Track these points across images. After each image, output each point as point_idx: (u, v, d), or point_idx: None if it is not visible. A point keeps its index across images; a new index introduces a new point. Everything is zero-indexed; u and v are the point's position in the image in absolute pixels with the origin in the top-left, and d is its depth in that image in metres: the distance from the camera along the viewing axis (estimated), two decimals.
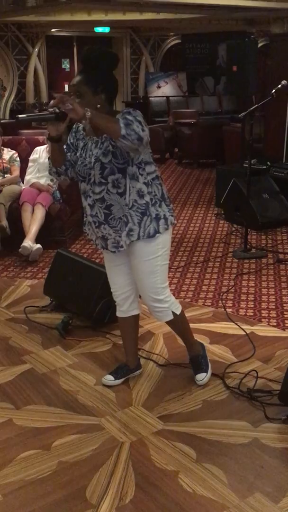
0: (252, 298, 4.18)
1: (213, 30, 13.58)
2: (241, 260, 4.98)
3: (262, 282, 4.49)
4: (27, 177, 5.49)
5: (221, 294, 4.27)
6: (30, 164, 5.52)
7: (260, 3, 8.75)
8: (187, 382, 3.07)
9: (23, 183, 5.54)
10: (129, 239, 2.70)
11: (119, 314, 3.08)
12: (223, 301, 4.12)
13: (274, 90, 4.97)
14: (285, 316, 3.89)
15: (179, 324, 3.02)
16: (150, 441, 2.61)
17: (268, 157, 6.73)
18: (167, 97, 13.97)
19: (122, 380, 3.07)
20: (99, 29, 12.97)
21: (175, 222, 2.82)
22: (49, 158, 2.89)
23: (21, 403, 2.93)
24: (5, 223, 5.12)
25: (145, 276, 2.81)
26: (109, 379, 3.06)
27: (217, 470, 2.41)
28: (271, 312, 3.95)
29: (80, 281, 3.74)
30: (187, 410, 2.84)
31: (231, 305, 4.08)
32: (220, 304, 4.08)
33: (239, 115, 5.28)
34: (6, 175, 5.50)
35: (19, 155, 5.65)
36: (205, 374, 3.05)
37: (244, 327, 3.69)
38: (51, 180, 5.40)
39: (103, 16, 11.18)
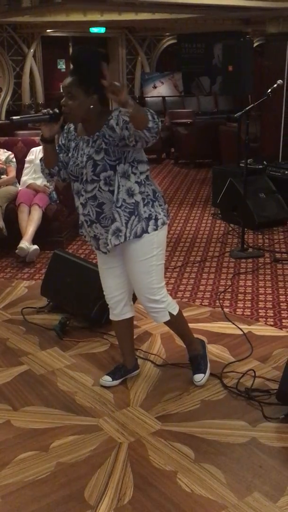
0: (249, 298, 4.19)
1: (209, 30, 13.59)
2: (238, 260, 4.99)
3: (259, 282, 4.49)
4: (23, 178, 5.48)
5: (218, 293, 4.27)
6: (26, 165, 5.51)
7: (256, 2, 8.76)
8: (185, 382, 3.07)
9: (19, 184, 5.53)
10: (117, 240, 2.68)
11: (112, 317, 3.07)
12: (221, 301, 4.13)
13: (269, 90, 4.98)
14: (282, 315, 3.90)
15: (176, 324, 3.02)
16: (148, 441, 2.61)
17: (264, 157, 6.74)
18: (163, 97, 13.97)
19: (120, 380, 3.07)
20: (94, 30, 12.96)
21: (168, 221, 2.81)
22: (41, 160, 2.89)
23: (19, 404, 2.93)
24: (1, 224, 5.12)
25: (140, 276, 2.81)
26: (106, 380, 3.06)
27: (215, 470, 2.42)
28: (268, 311, 3.96)
29: (77, 282, 3.74)
30: (185, 410, 2.84)
31: (228, 304, 4.08)
32: (217, 304, 4.08)
33: (235, 115, 5.28)
34: (2, 176, 5.49)
35: (15, 156, 5.64)
36: (203, 375, 3.04)
37: (241, 326, 3.69)
38: (48, 181, 5.39)
39: (98, 17, 11.17)
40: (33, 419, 2.80)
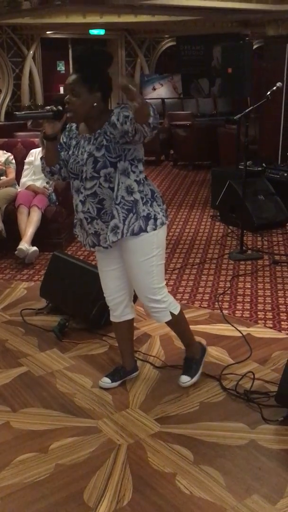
0: (248, 300, 4.19)
1: (208, 32, 13.60)
2: (237, 262, 4.99)
3: (258, 284, 4.49)
4: (22, 180, 5.48)
5: (217, 295, 4.27)
6: (25, 166, 5.52)
7: (255, 5, 8.76)
8: None
9: (18, 185, 5.53)
10: (115, 237, 2.69)
11: (112, 318, 3.07)
12: (219, 303, 4.13)
13: (269, 92, 4.99)
14: (281, 317, 3.90)
15: (178, 324, 3.02)
16: (147, 443, 2.61)
17: (263, 159, 6.75)
18: (162, 99, 13.98)
19: (119, 382, 3.07)
20: (94, 31, 12.98)
21: (167, 222, 2.82)
22: (42, 158, 2.88)
23: (18, 406, 2.93)
24: (0, 225, 5.12)
25: (141, 277, 2.81)
26: (106, 381, 3.06)
27: (214, 472, 2.42)
28: (267, 313, 3.96)
29: (76, 283, 3.74)
30: (184, 412, 2.84)
31: (227, 306, 4.08)
32: (216, 306, 4.09)
33: (234, 117, 5.30)
34: (1, 178, 5.49)
35: (15, 158, 5.65)
36: (190, 379, 3.03)
37: (240, 328, 3.69)
38: (47, 183, 5.40)
39: (98, 19, 11.19)
40: (32, 421, 2.80)
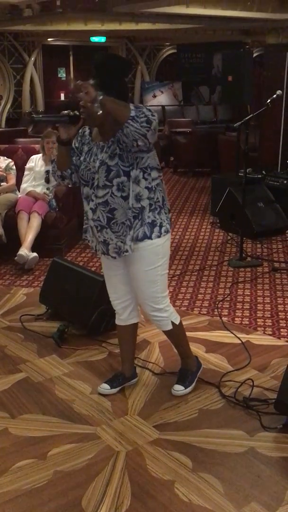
0: (248, 307, 4.19)
1: (209, 40, 13.68)
2: (236, 269, 4.99)
3: (258, 291, 4.50)
4: (23, 186, 5.49)
5: (217, 302, 4.27)
6: (26, 172, 5.53)
7: (255, 13, 8.81)
8: None
9: (19, 191, 5.54)
10: (133, 243, 2.69)
11: (118, 322, 3.06)
12: (219, 310, 4.13)
13: (269, 100, 5.01)
14: (281, 324, 3.90)
15: (177, 335, 3.02)
16: (146, 450, 2.60)
17: (263, 166, 6.77)
18: (163, 106, 14.03)
19: (118, 389, 3.07)
20: (95, 39, 13.04)
21: (170, 230, 2.83)
22: (53, 161, 2.87)
23: (17, 412, 2.92)
24: (1, 231, 5.12)
25: (145, 285, 2.81)
26: (105, 388, 3.06)
27: (213, 480, 2.41)
28: (267, 320, 3.96)
29: (76, 289, 3.74)
30: (183, 419, 2.84)
31: (226, 313, 4.08)
32: (215, 313, 4.08)
33: (234, 125, 5.31)
34: (2, 184, 5.50)
35: (15, 164, 5.66)
36: (184, 389, 3.03)
37: (239, 335, 3.69)
38: (47, 189, 5.41)
39: (99, 26, 11.24)
40: (31, 427, 2.79)
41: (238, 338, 3.66)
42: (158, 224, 2.73)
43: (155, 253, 2.75)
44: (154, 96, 14.65)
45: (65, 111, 2.65)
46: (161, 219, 2.75)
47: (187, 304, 4.26)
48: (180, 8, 8.43)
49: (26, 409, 2.94)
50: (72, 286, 3.77)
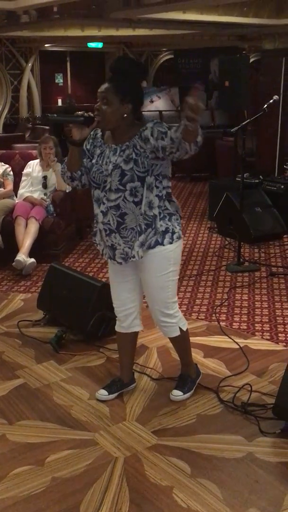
0: (246, 312, 4.19)
1: (206, 45, 13.72)
2: (234, 274, 4.99)
3: (256, 296, 4.50)
4: (20, 191, 5.49)
5: (215, 307, 4.27)
6: (23, 178, 5.53)
7: (252, 19, 8.86)
8: None
9: (16, 197, 5.54)
10: (142, 250, 2.69)
11: (119, 329, 3.05)
12: (217, 315, 4.13)
13: (266, 105, 5.03)
14: (279, 329, 3.90)
15: (183, 341, 3.02)
16: (144, 456, 2.60)
17: (260, 171, 6.78)
18: (160, 111, 14.05)
19: (116, 394, 3.06)
20: (92, 44, 13.06)
21: (182, 236, 2.83)
22: (64, 162, 2.85)
23: (14, 418, 2.91)
24: None
25: (156, 291, 2.82)
26: (102, 393, 3.05)
27: (211, 485, 2.40)
28: (265, 325, 3.96)
29: (73, 295, 3.73)
30: (181, 424, 2.83)
31: (224, 318, 4.08)
32: (213, 318, 4.08)
33: (232, 130, 5.33)
34: None
35: (13, 169, 5.67)
36: (182, 395, 3.02)
37: (237, 340, 3.69)
38: (45, 194, 5.41)
39: (96, 32, 11.27)
40: (28, 433, 2.78)
41: (236, 343, 3.66)
42: (170, 231, 2.73)
43: (166, 259, 2.75)
44: (152, 102, 14.66)
45: (80, 112, 2.65)
46: (173, 225, 2.75)
47: (185, 309, 4.25)
48: (177, 14, 8.46)
49: (24, 415, 2.93)
50: (70, 291, 3.76)
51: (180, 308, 4.22)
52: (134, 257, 2.71)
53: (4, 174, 5.57)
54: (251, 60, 11.62)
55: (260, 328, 3.91)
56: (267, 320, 4.04)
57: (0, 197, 5.42)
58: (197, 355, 3.47)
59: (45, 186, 5.41)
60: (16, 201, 5.46)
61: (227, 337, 3.75)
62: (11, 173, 5.62)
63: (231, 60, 6.95)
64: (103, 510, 2.28)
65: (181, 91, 15.06)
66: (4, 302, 4.43)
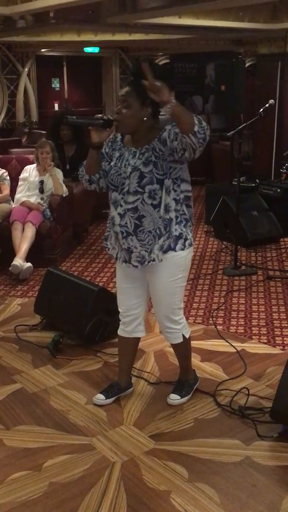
0: (243, 315, 4.19)
1: (202, 50, 13.75)
2: (231, 277, 5.00)
3: (253, 299, 4.50)
4: (17, 196, 5.49)
5: (212, 311, 4.27)
6: (20, 182, 5.53)
7: (247, 24, 8.87)
8: None
9: (13, 201, 5.54)
10: (161, 253, 2.69)
11: (122, 333, 3.04)
12: (214, 319, 4.13)
13: (262, 109, 5.04)
14: (276, 333, 3.90)
15: (185, 348, 3.02)
16: (142, 460, 2.59)
17: (256, 175, 6.80)
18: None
19: (113, 399, 3.05)
20: (88, 49, 13.09)
21: (193, 243, 2.83)
22: (81, 165, 2.85)
23: (11, 423, 2.91)
24: None
25: (165, 296, 2.82)
26: (100, 398, 3.04)
27: (209, 489, 2.40)
28: (262, 329, 3.96)
29: (70, 299, 3.73)
30: (178, 428, 2.83)
31: (221, 322, 4.08)
32: (210, 322, 4.08)
33: (228, 134, 5.35)
34: None
35: (9, 174, 5.66)
36: (180, 399, 3.02)
37: (235, 344, 3.69)
38: (41, 199, 5.41)
39: (92, 37, 11.29)
40: (25, 438, 2.78)
41: (233, 346, 3.66)
42: (184, 237, 2.74)
43: (177, 265, 2.75)
44: None
45: (99, 115, 2.65)
46: (186, 232, 2.75)
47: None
48: (172, 19, 8.48)
49: (21, 420, 2.93)
50: (67, 296, 3.76)
51: None
52: (154, 260, 2.70)
53: (1, 178, 5.57)
54: (247, 64, 11.64)
55: (257, 332, 3.91)
56: (264, 324, 4.04)
57: None
58: (194, 359, 3.46)
59: (42, 190, 5.41)
60: (13, 206, 5.46)
61: (224, 340, 3.76)
62: (8, 177, 5.62)
63: (227, 64, 6.97)
64: None
65: (177, 95, 15.10)
66: (1, 307, 4.42)
